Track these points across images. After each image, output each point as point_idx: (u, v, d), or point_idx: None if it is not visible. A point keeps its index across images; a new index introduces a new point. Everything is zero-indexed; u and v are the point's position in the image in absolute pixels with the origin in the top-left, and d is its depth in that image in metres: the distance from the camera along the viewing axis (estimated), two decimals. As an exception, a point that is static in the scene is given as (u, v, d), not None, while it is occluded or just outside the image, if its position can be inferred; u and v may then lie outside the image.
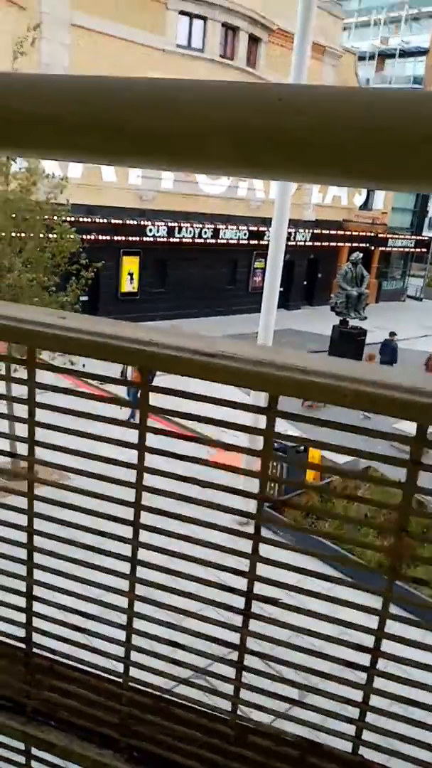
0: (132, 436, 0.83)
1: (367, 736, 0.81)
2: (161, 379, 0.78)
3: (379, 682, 0.79)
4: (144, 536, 0.85)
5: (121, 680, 0.92)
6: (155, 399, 0.80)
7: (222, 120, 0.62)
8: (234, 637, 0.85)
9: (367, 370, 0.70)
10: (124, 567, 0.87)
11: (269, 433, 0.74)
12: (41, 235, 10.66)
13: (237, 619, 0.83)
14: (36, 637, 0.96)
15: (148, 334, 0.78)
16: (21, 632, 0.96)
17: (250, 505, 0.77)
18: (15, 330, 0.81)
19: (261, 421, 0.77)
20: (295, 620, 0.79)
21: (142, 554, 0.86)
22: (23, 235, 10.57)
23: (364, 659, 0.79)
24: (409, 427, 0.69)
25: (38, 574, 0.94)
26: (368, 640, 0.78)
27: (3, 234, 10.37)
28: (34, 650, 0.97)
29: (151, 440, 0.82)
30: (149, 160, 0.67)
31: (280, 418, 0.74)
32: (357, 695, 0.80)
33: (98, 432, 0.84)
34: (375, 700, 0.80)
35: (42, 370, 0.84)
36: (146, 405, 0.80)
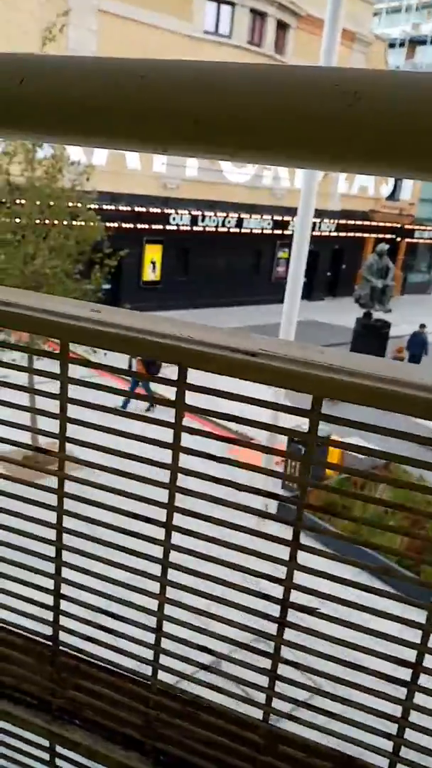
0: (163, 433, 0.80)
1: (405, 753, 0.78)
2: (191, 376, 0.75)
3: (420, 698, 0.75)
4: (176, 538, 0.82)
5: (148, 683, 0.90)
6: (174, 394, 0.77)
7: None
8: (267, 645, 0.82)
9: (421, 373, 0.66)
10: (155, 569, 0.85)
11: (312, 437, 0.70)
12: (65, 222, 10.68)
13: (271, 627, 0.80)
14: (63, 636, 0.94)
15: (185, 330, 0.75)
16: (48, 630, 0.95)
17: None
18: (48, 323, 0.79)
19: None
20: (332, 630, 0.76)
21: (174, 557, 0.83)
22: (48, 222, 10.60)
23: (405, 674, 0.75)
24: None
25: (66, 573, 0.92)
26: (410, 654, 0.75)
27: (28, 221, 10.41)
28: (61, 648, 0.95)
29: (186, 440, 0.79)
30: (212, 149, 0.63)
31: (324, 421, 0.70)
32: (396, 710, 0.77)
33: (131, 430, 0.81)
34: (414, 717, 0.76)
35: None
36: (182, 404, 0.77)
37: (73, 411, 0.85)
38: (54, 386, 0.85)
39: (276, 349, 0.72)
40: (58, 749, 0.99)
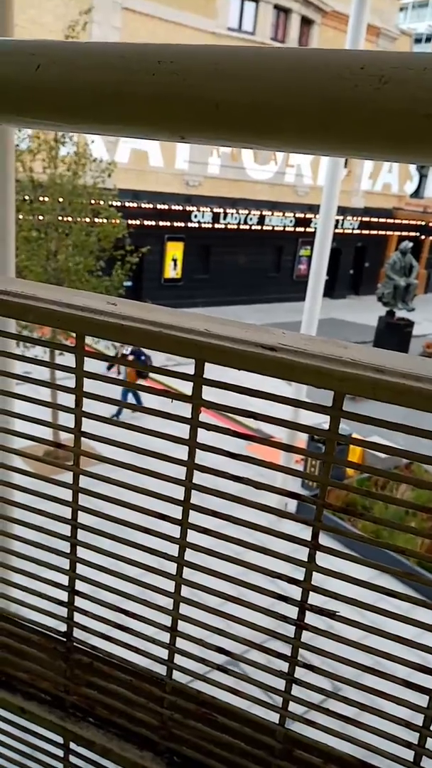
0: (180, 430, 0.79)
1: (426, 763, 0.75)
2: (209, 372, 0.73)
3: (441, 707, 0.73)
4: (192, 536, 0.81)
5: (163, 682, 0.88)
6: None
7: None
8: (285, 648, 0.80)
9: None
10: (171, 567, 0.83)
11: (333, 434, 0.68)
12: (87, 219, 10.73)
13: (289, 629, 0.78)
14: (77, 633, 0.94)
15: (204, 324, 0.73)
16: (62, 627, 0.94)
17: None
18: (64, 316, 0.78)
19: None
20: (352, 634, 0.74)
21: (190, 555, 0.82)
22: (70, 219, 10.66)
23: (427, 681, 0.73)
24: None
25: (81, 569, 0.91)
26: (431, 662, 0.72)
27: (50, 218, 10.49)
28: (75, 645, 0.94)
29: (204, 437, 0.77)
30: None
31: (345, 419, 0.68)
32: (417, 719, 0.75)
33: (147, 425, 0.79)
34: (436, 726, 0.74)
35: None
36: (199, 399, 0.75)
37: (90, 407, 0.84)
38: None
39: (296, 344, 0.69)
40: (72, 746, 0.98)
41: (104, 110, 0.65)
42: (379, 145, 0.57)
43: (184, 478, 0.79)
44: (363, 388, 0.64)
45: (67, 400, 0.86)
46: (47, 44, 0.66)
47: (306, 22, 23.81)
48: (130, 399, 9.85)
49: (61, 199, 10.55)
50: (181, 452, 0.81)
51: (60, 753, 1.00)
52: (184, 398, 0.76)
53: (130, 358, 9.95)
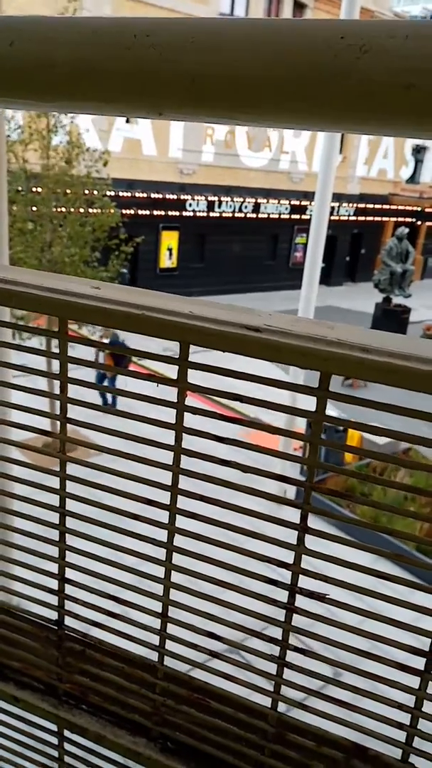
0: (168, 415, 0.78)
1: (418, 743, 0.75)
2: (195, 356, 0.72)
3: (433, 688, 0.72)
4: (181, 522, 0.80)
5: (155, 668, 0.88)
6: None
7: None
8: (276, 632, 0.79)
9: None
10: (160, 553, 0.83)
11: (320, 415, 0.67)
12: (81, 210, 10.67)
13: (279, 613, 0.78)
14: (68, 621, 0.93)
15: (187, 306, 0.72)
16: (54, 615, 0.93)
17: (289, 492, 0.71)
18: (46, 300, 0.76)
19: (300, 402, 0.70)
20: (343, 617, 0.74)
21: (179, 540, 0.81)
22: (64, 209, 10.60)
23: (418, 663, 0.72)
24: None
25: (71, 557, 0.90)
26: (423, 642, 0.72)
27: (44, 209, 10.42)
28: (67, 633, 0.94)
29: (189, 420, 0.76)
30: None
31: (332, 399, 0.67)
32: (409, 700, 0.74)
33: (134, 411, 0.79)
34: (429, 707, 0.73)
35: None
36: (184, 382, 0.74)
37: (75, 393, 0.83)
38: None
39: (281, 325, 0.68)
40: (66, 734, 0.98)
41: (80, 87, 0.63)
42: (360, 118, 0.56)
43: (171, 463, 0.78)
44: (349, 368, 0.63)
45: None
46: (20, 20, 0.64)
47: (299, 6, 23.56)
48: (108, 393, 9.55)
49: (55, 190, 10.47)
50: (171, 438, 0.80)
51: (54, 741, 1.00)
52: (170, 382, 0.75)
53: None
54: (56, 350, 0.80)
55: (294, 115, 0.57)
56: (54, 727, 0.98)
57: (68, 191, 10.50)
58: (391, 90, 0.53)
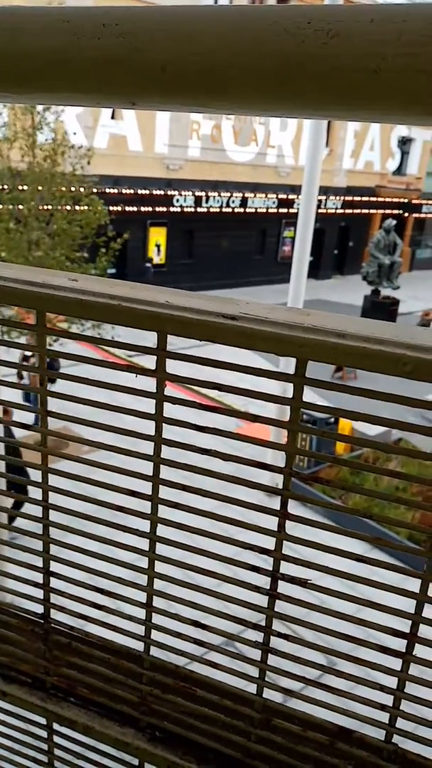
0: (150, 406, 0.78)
1: (401, 724, 0.76)
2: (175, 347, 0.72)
3: (414, 669, 0.73)
4: (163, 512, 0.80)
5: (141, 659, 0.88)
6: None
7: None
8: (259, 618, 0.80)
9: (410, 332, 0.62)
10: (143, 543, 0.83)
11: (297, 402, 0.68)
12: (68, 207, 10.61)
13: (262, 600, 0.78)
14: (54, 614, 0.93)
15: (164, 296, 0.72)
16: (39, 609, 0.94)
17: (277, 480, 0.72)
18: (23, 293, 0.76)
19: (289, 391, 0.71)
20: (323, 602, 0.74)
21: (162, 530, 0.81)
22: (50, 207, 10.53)
23: (400, 645, 0.73)
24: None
25: (55, 550, 0.90)
26: (405, 625, 0.73)
27: (30, 207, 10.35)
28: (53, 626, 0.94)
29: (170, 411, 0.77)
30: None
31: (308, 386, 0.68)
32: (391, 682, 0.75)
33: (114, 402, 0.79)
34: (411, 688, 0.74)
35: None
36: (163, 372, 0.74)
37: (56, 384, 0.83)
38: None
39: (258, 313, 0.69)
40: (55, 727, 0.98)
41: (51, 78, 0.63)
42: (329, 103, 0.56)
43: (152, 454, 0.78)
44: (324, 354, 0.64)
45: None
46: (-12, 10, 0.64)
47: (282, -1, 23.48)
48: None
49: (40, 188, 10.40)
50: (151, 428, 0.80)
51: (44, 734, 1.00)
52: (148, 372, 0.75)
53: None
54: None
55: (263, 101, 0.57)
56: (43, 721, 0.98)
57: (53, 189, 10.44)
58: (358, 74, 0.53)
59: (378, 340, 0.63)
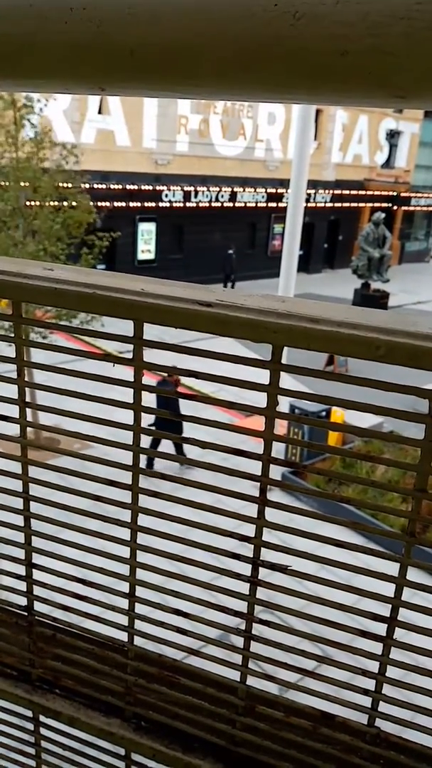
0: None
1: (383, 708, 0.76)
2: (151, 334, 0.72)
3: (396, 653, 0.74)
4: (144, 501, 0.80)
5: (125, 649, 0.88)
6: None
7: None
8: (242, 606, 0.80)
9: (382, 317, 0.63)
10: (125, 533, 0.83)
11: (273, 388, 0.68)
12: (54, 203, 10.53)
13: (244, 587, 0.78)
14: (38, 606, 0.93)
15: (140, 284, 0.72)
16: (23, 601, 0.93)
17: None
18: (-2, 283, 0.76)
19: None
20: (307, 588, 0.74)
21: (143, 520, 0.81)
22: (36, 203, 10.45)
23: (380, 629, 0.74)
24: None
25: (37, 542, 0.90)
26: (385, 609, 0.73)
27: (14, 204, 10.27)
28: (37, 618, 0.94)
29: (147, 400, 0.76)
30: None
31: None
32: (373, 666, 0.76)
33: (92, 392, 0.78)
34: (392, 672, 0.75)
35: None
36: (140, 361, 0.74)
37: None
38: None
39: (233, 299, 0.68)
40: (41, 718, 0.98)
41: (19, 63, 0.62)
42: (298, 86, 0.56)
43: (131, 443, 0.78)
44: (298, 339, 0.64)
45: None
46: None
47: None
48: None
49: (23, 184, 10.30)
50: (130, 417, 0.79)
51: (30, 726, 1.00)
52: (126, 362, 0.75)
53: None
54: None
55: (232, 85, 0.57)
56: (29, 713, 0.98)
57: (38, 185, 10.33)
58: (326, 57, 0.53)
59: (351, 324, 0.63)
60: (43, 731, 1.00)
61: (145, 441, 0.79)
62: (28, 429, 0.85)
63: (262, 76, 0.55)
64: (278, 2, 0.53)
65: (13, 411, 0.84)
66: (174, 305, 0.69)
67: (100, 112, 20.13)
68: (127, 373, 0.76)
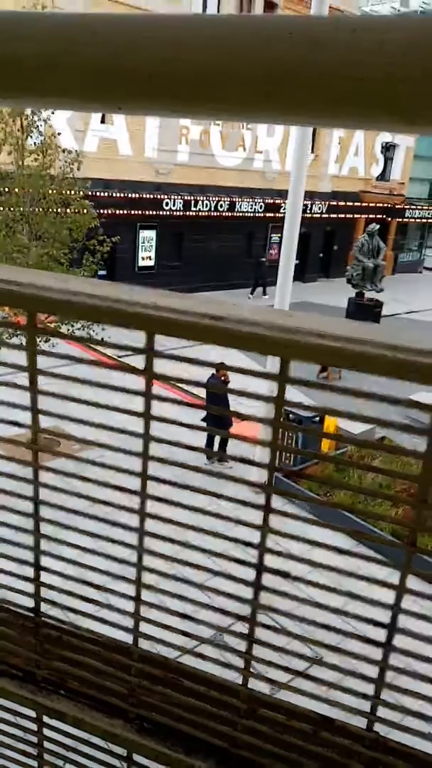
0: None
1: (382, 713, 0.78)
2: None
3: (395, 659, 0.76)
4: (151, 507, 0.82)
5: (130, 651, 0.90)
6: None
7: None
8: (245, 610, 0.82)
9: (387, 333, 0.65)
10: (132, 538, 0.85)
11: (280, 400, 0.70)
12: (58, 211, 10.60)
13: (248, 592, 0.81)
14: (45, 608, 0.95)
15: (152, 297, 0.74)
16: (30, 603, 0.95)
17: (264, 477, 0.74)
18: (14, 294, 0.78)
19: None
20: (309, 594, 0.77)
21: (150, 525, 0.84)
22: (40, 210, 10.51)
23: (380, 635, 0.76)
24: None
25: (45, 545, 0.92)
26: (385, 616, 0.75)
27: (21, 210, 10.32)
28: (44, 620, 0.95)
29: (158, 409, 0.79)
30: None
31: (291, 385, 0.70)
32: (372, 671, 0.78)
33: (104, 400, 0.81)
34: (391, 677, 0.77)
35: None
36: (151, 372, 0.76)
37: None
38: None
39: (243, 314, 0.71)
40: (45, 719, 1.00)
41: (41, 82, 0.65)
42: (314, 111, 0.58)
43: (141, 450, 0.80)
44: (307, 354, 0.66)
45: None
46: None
47: (270, 6, 23.65)
48: None
49: (29, 190, 10.36)
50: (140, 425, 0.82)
51: (34, 727, 1.01)
52: (137, 372, 0.77)
53: None
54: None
55: (249, 109, 0.59)
56: (33, 714, 0.99)
57: (42, 191, 10.41)
58: (342, 83, 0.55)
59: (359, 340, 0.66)
60: (46, 732, 1.01)
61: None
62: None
63: (278, 101, 0.57)
64: (294, 30, 0.56)
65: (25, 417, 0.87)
66: (186, 319, 0.71)
67: (103, 121, 20.25)
68: (131, 380, 0.79)
